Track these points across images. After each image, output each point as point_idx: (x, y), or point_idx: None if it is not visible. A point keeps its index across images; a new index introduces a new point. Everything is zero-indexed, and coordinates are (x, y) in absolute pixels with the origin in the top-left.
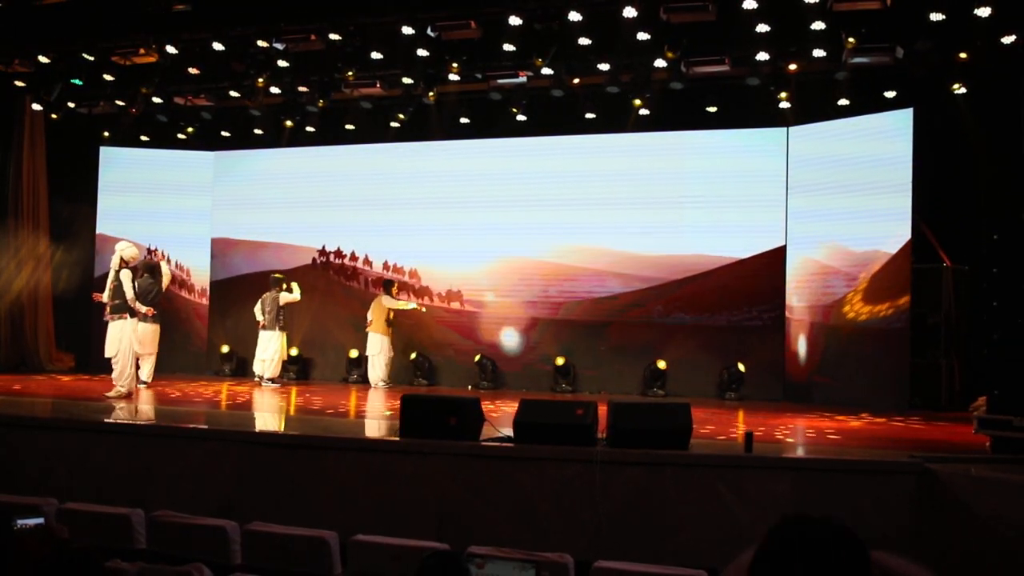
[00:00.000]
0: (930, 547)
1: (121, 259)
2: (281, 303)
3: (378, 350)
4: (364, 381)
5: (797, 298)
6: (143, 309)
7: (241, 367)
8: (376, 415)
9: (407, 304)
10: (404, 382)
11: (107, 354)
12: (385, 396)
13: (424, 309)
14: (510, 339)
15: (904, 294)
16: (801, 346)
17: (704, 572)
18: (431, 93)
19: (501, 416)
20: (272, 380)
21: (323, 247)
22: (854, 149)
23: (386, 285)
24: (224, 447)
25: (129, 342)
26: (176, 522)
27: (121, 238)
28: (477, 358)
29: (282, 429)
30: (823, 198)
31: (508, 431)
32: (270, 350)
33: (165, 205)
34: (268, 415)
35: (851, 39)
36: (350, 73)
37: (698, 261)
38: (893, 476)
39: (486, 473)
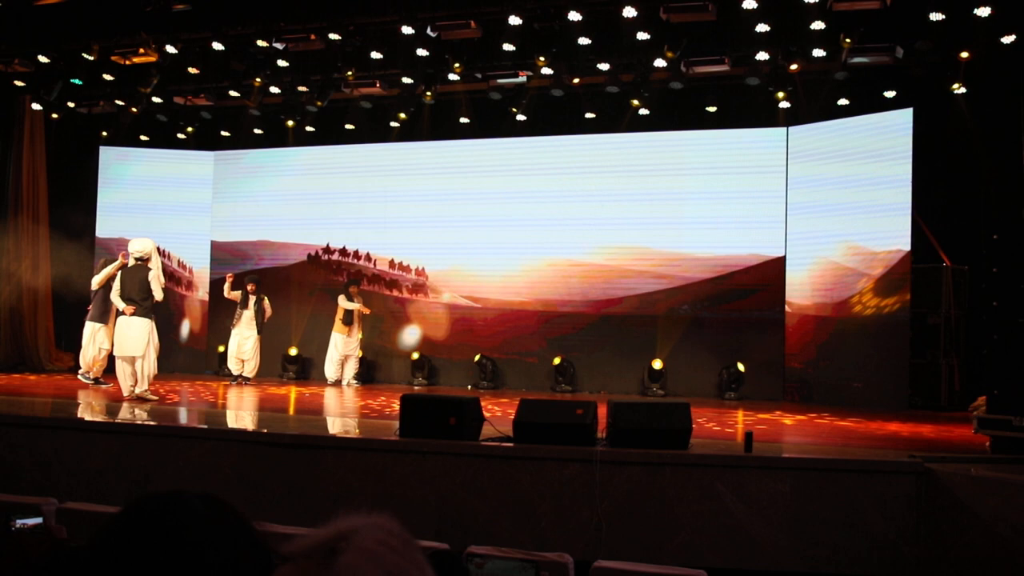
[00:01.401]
0: (930, 547)
1: (134, 258)
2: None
3: (332, 348)
4: (364, 381)
5: (796, 297)
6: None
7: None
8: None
9: (352, 305)
10: (404, 382)
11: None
12: (339, 394)
13: (367, 311)
14: (411, 335)
15: (904, 294)
16: (801, 346)
17: (704, 572)
18: (428, 93)
19: (501, 416)
20: (234, 376)
21: (323, 246)
22: (854, 149)
23: (345, 284)
24: (224, 447)
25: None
26: None
27: (123, 238)
28: (477, 358)
29: (282, 429)
30: (823, 198)
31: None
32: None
33: (165, 205)
34: (267, 414)
35: (848, 39)
36: (349, 73)
37: (697, 260)
38: (893, 476)
39: (486, 473)
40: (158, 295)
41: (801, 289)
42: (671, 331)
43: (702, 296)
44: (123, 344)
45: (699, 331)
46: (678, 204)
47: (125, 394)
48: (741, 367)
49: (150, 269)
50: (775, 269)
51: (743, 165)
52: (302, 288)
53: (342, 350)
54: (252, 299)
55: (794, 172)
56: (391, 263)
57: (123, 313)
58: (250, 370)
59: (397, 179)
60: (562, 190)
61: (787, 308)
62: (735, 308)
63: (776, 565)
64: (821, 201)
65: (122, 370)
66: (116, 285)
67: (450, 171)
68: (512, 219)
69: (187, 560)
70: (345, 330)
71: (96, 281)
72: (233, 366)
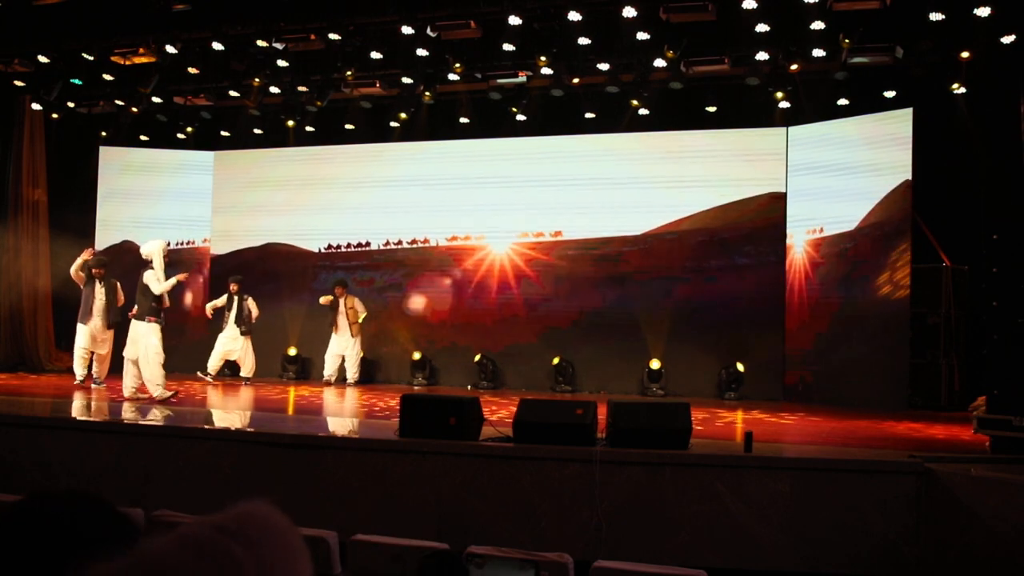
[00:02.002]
0: (930, 547)
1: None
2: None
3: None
4: (365, 381)
5: (796, 298)
6: None
7: (237, 365)
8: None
9: (325, 299)
10: (404, 382)
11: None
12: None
13: (360, 311)
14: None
15: (904, 294)
16: (800, 346)
17: (704, 572)
18: (426, 94)
19: (501, 416)
20: (205, 373)
21: (322, 247)
22: (854, 149)
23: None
24: (224, 447)
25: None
26: (175, 522)
27: (128, 240)
28: (477, 358)
29: (282, 429)
30: (822, 197)
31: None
32: None
33: (164, 205)
34: (267, 414)
35: (847, 40)
36: (349, 73)
37: (697, 260)
38: (893, 476)
39: (486, 473)
40: (156, 291)
41: (800, 290)
42: (670, 331)
43: (701, 296)
44: (127, 346)
45: (699, 331)
46: (678, 203)
47: (125, 394)
48: (740, 367)
49: (149, 270)
50: (775, 269)
51: (742, 165)
52: (301, 287)
53: (331, 349)
54: (235, 299)
55: (794, 171)
56: (391, 262)
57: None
58: (248, 370)
59: (397, 179)
60: (560, 189)
61: (787, 308)
62: (735, 308)
63: (776, 565)
64: (821, 200)
65: (126, 370)
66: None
67: (450, 171)
68: (511, 217)
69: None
70: (332, 329)
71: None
72: (213, 365)
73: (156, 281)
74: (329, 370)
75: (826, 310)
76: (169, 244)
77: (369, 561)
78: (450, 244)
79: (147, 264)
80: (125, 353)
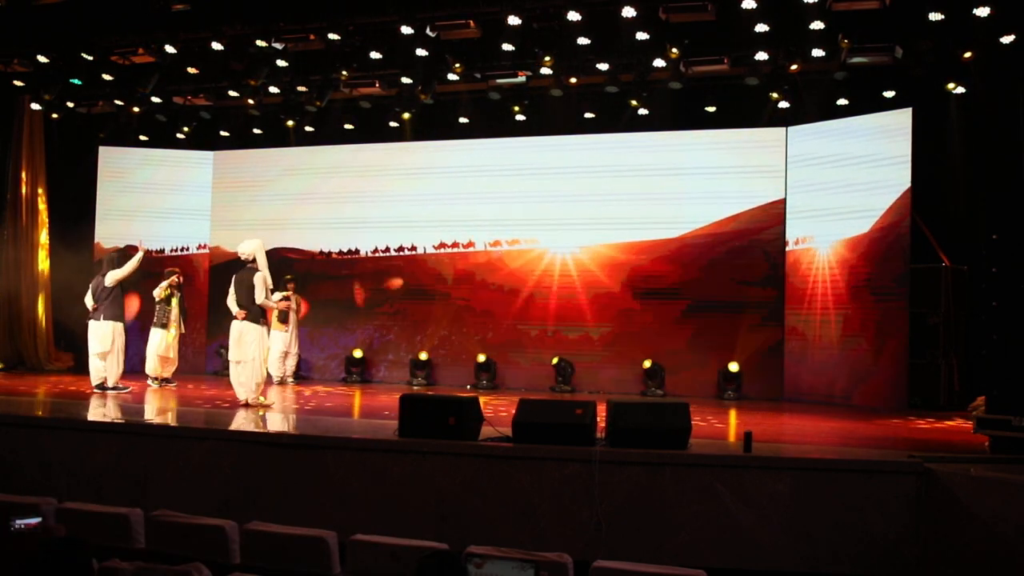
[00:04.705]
0: (930, 547)
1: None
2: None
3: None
4: (364, 380)
5: (796, 297)
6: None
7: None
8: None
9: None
10: (403, 382)
11: (237, 358)
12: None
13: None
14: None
15: (903, 294)
16: (800, 346)
17: (703, 572)
18: (423, 95)
19: (501, 416)
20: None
21: (323, 248)
22: (853, 149)
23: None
24: (223, 447)
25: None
26: (175, 522)
27: (124, 239)
28: (483, 359)
29: (282, 429)
30: (822, 197)
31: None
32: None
33: (164, 205)
34: (266, 415)
35: (846, 40)
36: (344, 72)
37: (697, 260)
38: (893, 476)
39: (486, 473)
40: (259, 298)
41: (800, 288)
42: (669, 331)
43: (700, 296)
44: (233, 348)
45: (698, 331)
46: (677, 204)
47: (241, 400)
48: (735, 367)
49: (257, 271)
50: (775, 269)
51: (742, 165)
52: (300, 289)
53: (277, 348)
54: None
55: (793, 172)
56: (388, 262)
57: (235, 318)
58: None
59: (397, 179)
60: (560, 190)
61: (786, 308)
62: (734, 308)
63: (776, 565)
64: (821, 201)
65: (234, 375)
66: (231, 289)
67: (449, 171)
68: (511, 218)
69: None
70: (281, 327)
71: (117, 277)
72: (154, 367)
73: (263, 287)
74: (280, 370)
75: (824, 309)
76: (263, 243)
77: (369, 561)
78: (448, 240)
79: (247, 264)
80: (232, 356)
